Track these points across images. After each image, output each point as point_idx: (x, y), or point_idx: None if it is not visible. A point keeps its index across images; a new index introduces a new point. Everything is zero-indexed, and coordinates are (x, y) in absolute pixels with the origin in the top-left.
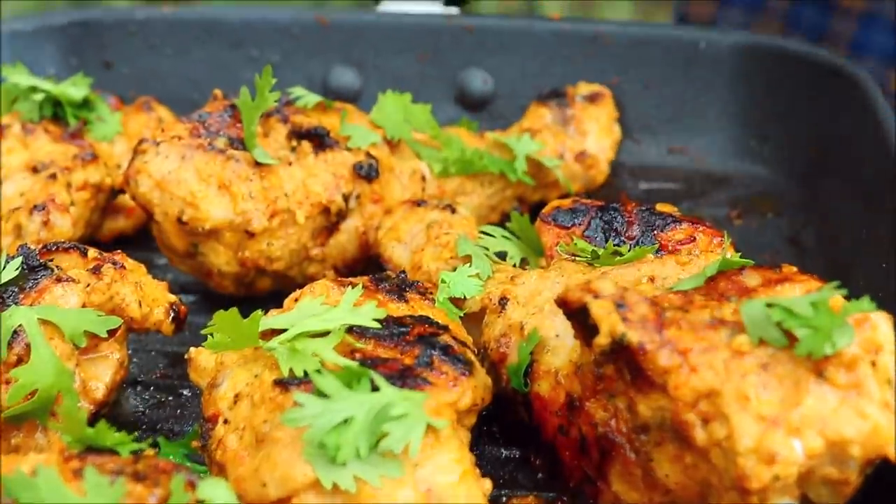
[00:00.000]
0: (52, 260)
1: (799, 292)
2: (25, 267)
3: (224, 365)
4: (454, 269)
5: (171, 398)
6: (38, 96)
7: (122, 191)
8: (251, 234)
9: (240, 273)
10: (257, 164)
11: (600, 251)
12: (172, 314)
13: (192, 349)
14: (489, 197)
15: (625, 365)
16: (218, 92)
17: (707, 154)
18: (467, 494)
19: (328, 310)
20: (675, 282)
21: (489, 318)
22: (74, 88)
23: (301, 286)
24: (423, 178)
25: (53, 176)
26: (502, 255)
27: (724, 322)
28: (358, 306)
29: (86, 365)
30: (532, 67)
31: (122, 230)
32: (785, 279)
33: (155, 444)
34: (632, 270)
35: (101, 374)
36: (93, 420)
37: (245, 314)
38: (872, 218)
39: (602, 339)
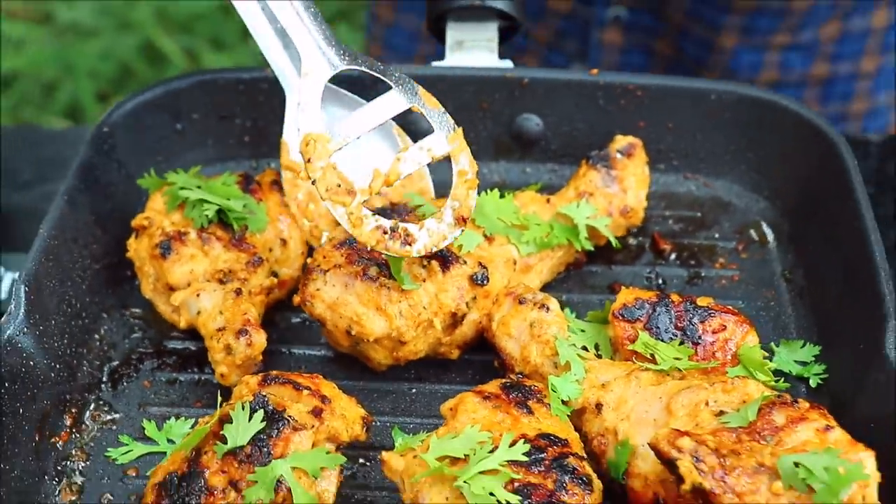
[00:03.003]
0: (273, 395)
1: (812, 431)
2: (264, 417)
3: (419, 484)
4: (555, 366)
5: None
6: (209, 209)
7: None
8: (403, 343)
9: (393, 363)
10: (402, 290)
11: (661, 352)
12: (366, 426)
13: (384, 453)
14: (559, 259)
15: (701, 496)
16: None
17: (715, 181)
18: None
19: (488, 447)
20: (723, 406)
21: (588, 416)
22: (234, 201)
23: (432, 359)
24: (514, 262)
25: (239, 291)
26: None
27: (765, 467)
28: (513, 445)
29: (319, 482)
30: (574, 112)
31: (279, 298)
32: (801, 419)
33: None
34: (693, 396)
35: (328, 486)
36: None
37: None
38: (847, 284)
39: (686, 486)
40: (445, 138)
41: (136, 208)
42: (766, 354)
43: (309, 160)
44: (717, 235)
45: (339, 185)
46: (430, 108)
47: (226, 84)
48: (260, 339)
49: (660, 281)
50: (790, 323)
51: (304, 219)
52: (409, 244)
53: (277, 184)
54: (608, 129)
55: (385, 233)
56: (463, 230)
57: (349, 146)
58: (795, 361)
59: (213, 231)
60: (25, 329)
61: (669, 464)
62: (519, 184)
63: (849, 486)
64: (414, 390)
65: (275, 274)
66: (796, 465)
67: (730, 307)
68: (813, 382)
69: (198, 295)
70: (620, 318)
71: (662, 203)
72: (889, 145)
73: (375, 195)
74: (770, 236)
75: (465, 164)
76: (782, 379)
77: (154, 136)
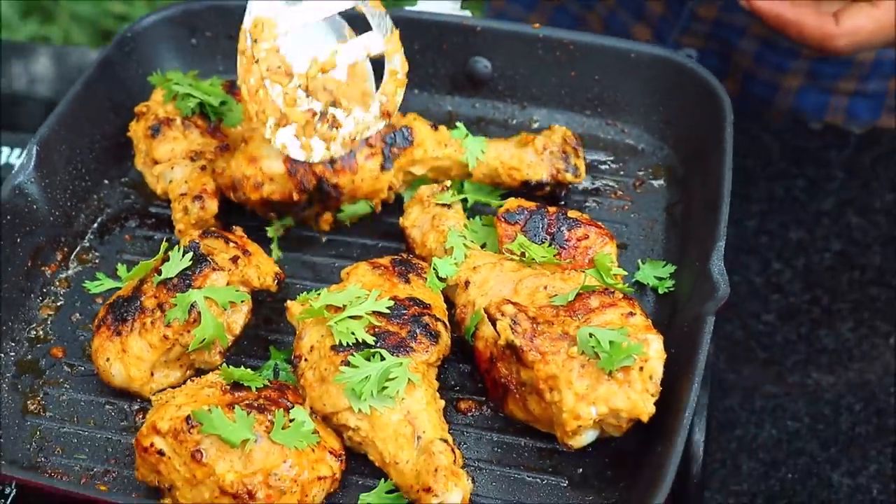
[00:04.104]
0: (207, 245)
1: (617, 314)
2: (192, 258)
3: (305, 323)
4: (445, 251)
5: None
6: (192, 102)
7: None
8: None
9: None
10: None
11: (532, 251)
12: (276, 280)
13: (288, 301)
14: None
15: (514, 352)
16: None
17: (632, 128)
18: (428, 413)
19: (362, 301)
20: (557, 291)
21: (458, 291)
22: (213, 97)
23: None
24: None
25: (204, 168)
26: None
27: (567, 335)
28: (380, 299)
29: (229, 314)
30: (518, 59)
31: None
32: (612, 304)
33: (268, 351)
34: (536, 281)
35: (237, 318)
36: (232, 345)
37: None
38: (703, 217)
39: (501, 341)
40: (382, 38)
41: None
42: (617, 264)
43: (255, 41)
44: (622, 173)
45: (279, 67)
46: (373, 8)
47: (236, 10)
48: (212, 205)
49: (562, 203)
50: (659, 247)
51: (252, 103)
52: (336, 128)
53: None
54: (545, 76)
55: (315, 115)
56: (386, 123)
57: (298, 35)
58: (654, 276)
59: (195, 120)
60: (33, 179)
61: (494, 324)
62: (469, 116)
63: (626, 358)
64: (336, 264)
65: None
66: (590, 335)
67: (596, 222)
68: (661, 291)
69: (172, 167)
70: (503, 220)
71: (584, 143)
72: (868, 138)
73: (321, 90)
74: (664, 178)
75: (396, 63)
76: (635, 288)
77: (170, 46)
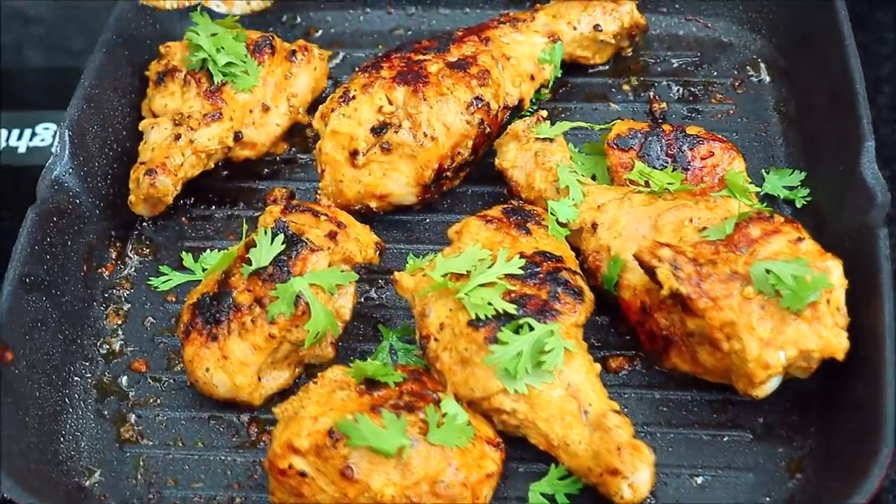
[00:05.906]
0: (294, 222)
1: (784, 242)
2: (284, 241)
3: (426, 298)
4: (557, 191)
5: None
6: (199, 55)
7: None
8: None
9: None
10: None
11: (655, 178)
12: (378, 251)
13: (396, 273)
14: None
15: (678, 301)
16: None
17: (716, 21)
18: (590, 381)
19: (487, 264)
20: (706, 222)
21: (585, 236)
22: (224, 54)
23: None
24: None
25: (178, 137)
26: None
27: (738, 274)
28: (509, 260)
29: (336, 299)
30: None
31: (248, 157)
32: (775, 231)
33: (377, 331)
34: (678, 214)
35: (345, 302)
36: (343, 331)
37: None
38: (832, 111)
39: (665, 291)
40: None
41: None
42: (750, 180)
43: None
44: (715, 73)
45: None
46: None
47: None
48: (164, 183)
49: (661, 118)
50: (780, 151)
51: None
52: None
53: (295, 54)
54: None
55: None
56: None
57: None
58: (784, 186)
59: (199, 76)
60: (71, 170)
61: (651, 272)
62: None
63: (814, 292)
64: (427, 220)
65: (238, 135)
66: (767, 271)
67: (718, 135)
68: (798, 203)
69: (152, 127)
70: (615, 147)
71: (664, 44)
72: None
73: None
74: (765, 72)
75: None
76: (766, 203)
77: None
